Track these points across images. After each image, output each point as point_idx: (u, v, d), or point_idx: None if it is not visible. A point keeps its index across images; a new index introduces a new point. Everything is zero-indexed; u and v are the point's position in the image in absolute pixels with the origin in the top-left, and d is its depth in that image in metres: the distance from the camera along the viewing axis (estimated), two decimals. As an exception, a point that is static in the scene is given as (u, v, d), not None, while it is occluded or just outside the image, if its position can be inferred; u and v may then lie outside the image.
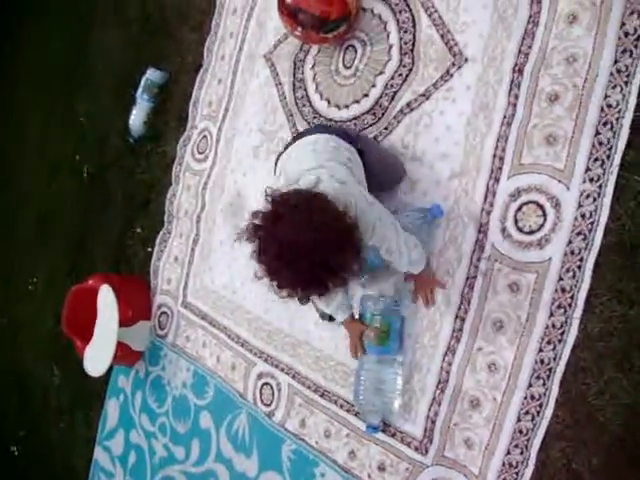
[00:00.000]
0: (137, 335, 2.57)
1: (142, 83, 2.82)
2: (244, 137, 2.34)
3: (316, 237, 1.15)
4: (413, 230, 1.57)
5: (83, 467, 2.97)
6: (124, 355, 2.55)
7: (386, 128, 1.87)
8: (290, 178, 1.39)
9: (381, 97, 1.90)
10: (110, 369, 2.73)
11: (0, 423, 3.85)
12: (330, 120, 2.03)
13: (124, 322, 2.48)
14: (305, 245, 1.15)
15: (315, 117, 2.08)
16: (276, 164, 1.67)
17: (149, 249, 2.70)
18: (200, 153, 2.53)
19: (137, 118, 2.88)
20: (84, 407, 3.05)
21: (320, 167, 1.39)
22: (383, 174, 1.70)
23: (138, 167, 2.86)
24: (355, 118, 1.96)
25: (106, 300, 2.49)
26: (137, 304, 2.59)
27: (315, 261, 1.15)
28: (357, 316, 1.71)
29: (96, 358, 2.56)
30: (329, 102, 2.06)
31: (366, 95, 1.95)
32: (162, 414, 2.53)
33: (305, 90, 2.15)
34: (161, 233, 2.65)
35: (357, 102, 1.97)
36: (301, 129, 2.11)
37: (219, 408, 2.27)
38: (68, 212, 3.42)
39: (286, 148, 1.64)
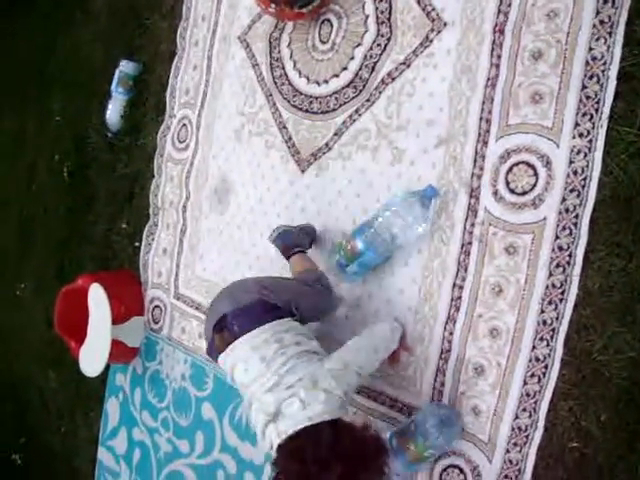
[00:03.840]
0: (131, 331, 2.53)
1: (116, 76, 2.76)
2: (224, 121, 2.30)
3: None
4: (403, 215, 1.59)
5: (88, 469, 2.94)
6: (120, 353, 2.52)
7: (368, 100, 1.84)
8: (268, 411, 1.34)
9: (361, 69, 1.87)
10: (107, 368, 2.70)
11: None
12: (310, 97, 1.99)
13: (117, 319, 2.44)
14: None
15: (295, 95, 2.05)
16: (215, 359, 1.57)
17: (137, 244, 2.66)
18: (181, 142, 2.48)
19: (114, 112, 2.82)
20: (84, 409, 3.01)
21: (282, 379, 1.37)
22: (318, 311, 1.73)
23: (119, 162, 2.81)
24: (335, 92, 1.93)
25: (97, 298, 2.45)
26: (129, 300, 2.55)
27: None
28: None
29: (91, 358, 2.53)
30: (308, 79, 2.02)
31: (345, 68, 1.91)
32: (163, 409, 2.50)
33: (283, 69, 2.11)
34: (147, 226, 2.61)
35: (336, 76, 1.94)
36: (282, 111, 2.08)
37: (220, 398, 2.25)
38: (51, 213, 3.36)
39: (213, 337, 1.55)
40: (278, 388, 1.36)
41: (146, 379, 2.59)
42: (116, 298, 2.45)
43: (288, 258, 1.81)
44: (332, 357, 1.45)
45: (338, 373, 1.37)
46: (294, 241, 1.82)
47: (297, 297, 1.59)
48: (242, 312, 1.50)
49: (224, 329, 1.50)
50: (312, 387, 1.33)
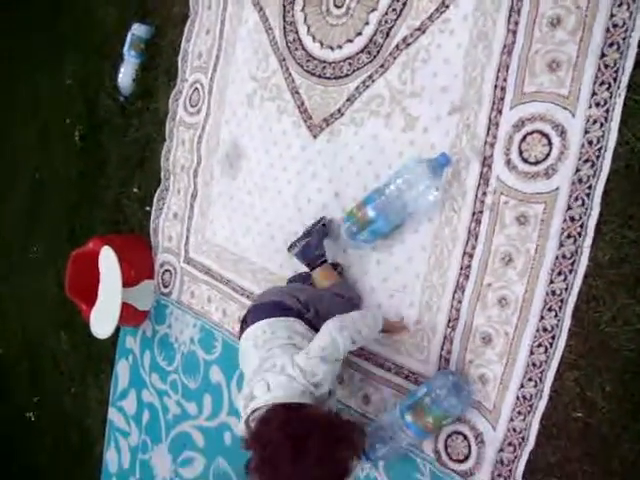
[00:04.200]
0: (141, 295, 2.55)
1: (128, 39, 2.73)
2: (237, 86, 2.28)
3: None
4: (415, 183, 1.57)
5: (99, 428, 3.01)
6: (130, 315, 2.54)
7: (382, 66, 1.82)
8: (245, 392, 1.45)
9: (375, 34, 1.84)
10: (117, 331, 2.74)
11: (14, 390, 3.90)
12: (324, 62, 1.97)
13: (127, 282, 2.46)
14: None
15: (308, 60, 2.02)
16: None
17: (147, 208, 2.66)
18: (193, 106, 2.47)
19: (126, 76, 2.80)
20: (94, 370, 3.06)
21: (261, 364, 1.46)
22: (341, 309, 1.71)
23: (131, 126, 2.80)
24: (349, 58, 1.90)
25: (108, 262, 2.46)
26: (139, 263, 2.57)
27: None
28: None
29: (102, 320, 2.55)
30: (322, 44, 2.00)
31: (359, 34, 1.88)
32: (172, 372, 2.54)
33: (296, 33, 2.08)
34: (158, 191, 2.61)
35: (350, 41, 1.91)
36: (295, 77, 2.06)
37: (228, 362, 2.27)
38: (63, 177, 3.36)
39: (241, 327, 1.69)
40: (258, 371, 1.45)
41: (155, 342, 2.63)
42: (126, 261, 2.46)
43: (312, 269, 1.86)
44: (302, 350, 1.48)
45: (306, 362, 1.41)
46: (314, 253, 1.86)
47: (316, 299, 1.69)
48: (258, 308, 1.69)
49: (244, 322, 1.68)
50: (279, 373, 1.40)
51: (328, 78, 1.97)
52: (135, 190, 2.76)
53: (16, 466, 3.87)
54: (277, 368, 1.41)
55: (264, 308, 1.67)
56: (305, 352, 1.44)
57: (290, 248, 1.92)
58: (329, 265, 1.86)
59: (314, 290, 1.81)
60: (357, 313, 1.63)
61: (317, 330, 1.58)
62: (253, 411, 1.36)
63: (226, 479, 2.31)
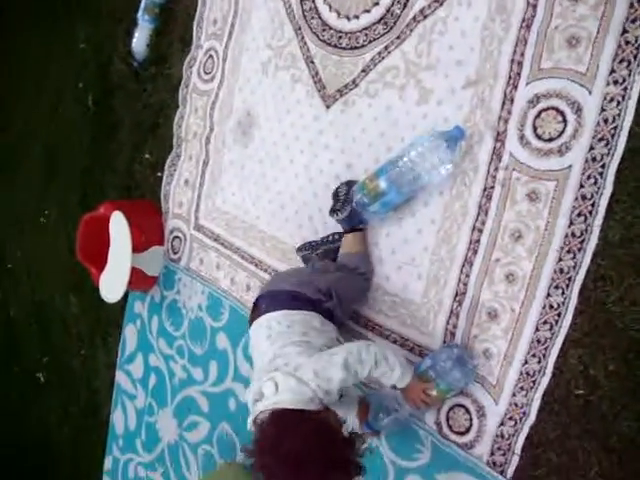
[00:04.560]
0: (151, 260, 2.58)
1: (142, 4, 2.72)
2: (251, 54, 2.27)
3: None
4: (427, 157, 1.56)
5: (106, 390, 3.06)
6: (139, 280, 2.57)
7: (398, 37, 1.80)
8: (254, 389, 1.42)
9: (392, 5, 1.81)
10: (126, 296, 2.77)
11: (24, 351, 3.96)
12: (340, 32, 1.95)
13: (137, 248, 2.48)
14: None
15: (324, 29, 2.00)
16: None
17: (159, 174, 2.67)
18: (207, 73, 2.46)
19: (140, 41, 2.78)
20: (103, 334, 3.11)
21: (273, 359, 1.44)
22: (353, 296, 1.73)
23: (144, 92, 2.80)
24: (365, 28, 1.88)
25: (118, 226, 2.48)
26: (149, 229, 2.58)
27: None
28: None
29: (111, 285, 2.58)
30: (339, 13, 1.97)
31: (377, 4, 1.86)
32: (179, 337, 2.57)
33: (313, 2, 2.05)
34: (170, 157, 2.62)
35: (367, 11, 1.88)
36: (310, 46, 2.04)
37: (235, 329, 2.30)
38: (75, 142, 3.37)
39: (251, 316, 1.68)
40: (268, 367, 1.43)
41: (164, 308, 2.65)
42: (137, 227, 2.47)
43: (346, 233, 1.84)
44: (323, 352, 1.45)
45: (324, 364, 1.38)
46: (359, 219, 1.82)
47: (335, 283, 1.66)
48: (272, 295, 1.66)
49: (256, 306, 1.66)
50: (290, 374, 1.36)
51: (343, 48, 1.96)
52: (147, 156, 2.77)
53: (27, 425, 3.96)
54: (290, 368, 1.38)
55: (281, 298, 1.63)
56: (327, 354, 1.41)
57: (334, 212, 1.83)
58: (362, 235, 1.84)
59: (329, 272, 1.76)
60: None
61: (333, 319, 1.59)
62: (261, 412, 1.35)
63: (229, 444, 2.35)
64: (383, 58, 1.84)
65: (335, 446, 1.26)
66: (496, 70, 1.58)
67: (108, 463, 3.07)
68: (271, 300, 1.63)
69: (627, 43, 1.36)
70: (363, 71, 1.89)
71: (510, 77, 1.56)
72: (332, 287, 1.63)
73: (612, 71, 1.39)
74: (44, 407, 3.74)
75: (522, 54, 1.54)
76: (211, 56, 2.44)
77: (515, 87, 1.55)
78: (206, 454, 2.46)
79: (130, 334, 2.87)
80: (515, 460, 1.55)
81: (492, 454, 1.59)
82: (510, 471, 1.56)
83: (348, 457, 1.25)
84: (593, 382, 1.43)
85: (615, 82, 1.39)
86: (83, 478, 3.35)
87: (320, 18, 2.03)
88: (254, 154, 2.24)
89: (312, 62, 2.04)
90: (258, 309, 1.64)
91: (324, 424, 1.30)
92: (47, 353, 3.69)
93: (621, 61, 1.37)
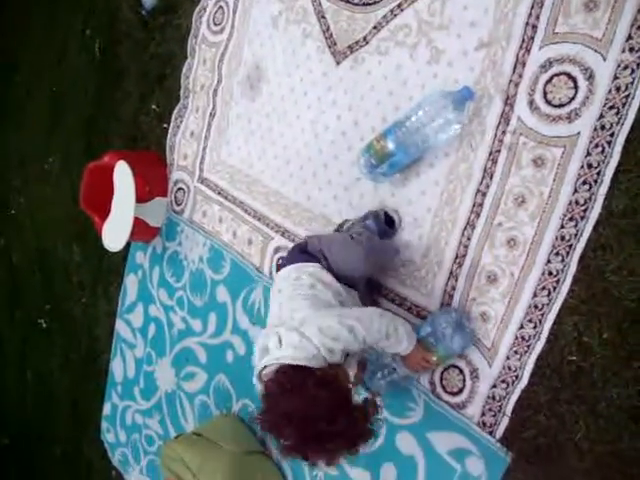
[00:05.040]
0: (154, 211, 2.58)
1: (152, -49, 2.67)
2: (262, 6, 2.23)
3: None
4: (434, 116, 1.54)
5: (106, 338, 3.10)
6: (141, 231, 2.57)
7: (413, -5, 1.77)
8: (260, 344, 1.41)
9: (408, -39, 1.78)
10: (128, 246, 2.79)
11: (27, 297, 4.00)
12: (353, -14, 1.92)
13: (141, 198, 2.48)
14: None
15: (337, -17, 1.97)
16: None
17: (165, 125, 2.65)
18: (216, 25, 2.42)
19: (149, -11, 2.74)
20: (104, 283, 3.13)
21: (281, 312, 1.46)
22: (344, 260, 1.58)
23: (152, 41, 2.76)
24: (380, -16, 1.85)
25: (122, 176, 2.48)
26: (153, 180, 2.58)
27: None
28: None
29: (114, 234, 2.59)
30: (352, -33, 1.93)
31: (392, -41, 1.82)
32: (179, 288, 2.59)
33: (327, -46, 2.01)
34: (177, 108, 2.59)
35: (382, -33, 1.85)
36: (322, 0, 2.01)
37: (235, 282, 2.32)
38: (81, 90, 3.34)
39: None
40: (276, 322, 1.44)
41: (165, 259, 2.67)
42: (141, 177, 2.47)
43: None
44: (331, 309, 1.44)
45: (327, 325, 1.35)
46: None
47: (327, 243, 1.61)
48: (289, 252, 1.70)
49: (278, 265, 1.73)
50: (294, 328, 1.35)
51: (356, 4, 1.92)
52: (153, 107, 2.74)
53: (30, 371, 4.02)
54: (295, 322, 1.37)
55: (293, 253, 1.65)
56: (337, 314, 1.39)
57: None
58: None
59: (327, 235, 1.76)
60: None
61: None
62: (264, 366, 1.35)
63: (226, 395, 2.38)
64: (395, 16, 1.81)
65: (339, 405, 1.25)
66: (509, 32, 1.56)
67: (107, 409, 3.13)
68: (287, 255, 1.68)
69: (647, 8, 1.34)
70: (375, 28, 1.86)
71: (523, 40, 1.54)
72: (324, 246, 1.59)
73: (629, 37, 1.36)
74: (45, 353, 3.80)
75: (537, 17, 1.51)
76: (221, 7, 2.40)
77: (528, 51, 1.53)
78: (202, 404, 2.50)
79: (131, 284, 2.90)
80: (505, 421, 1.58)
81: (483, 415, 1.62)
82: (499, 432, 1.59)
83: (354, 417, 1.25)
84: (586, 349, 1.45)
85: (631, 49, 1.36)
86: (82, 423, 3.43)
87: (334, -29, 1.99)
88: (261, 108, 2.22)
89: (324, 17, 2.01)
90: (277, 266, 1.68)
91: (326, 382, 1.28)
92: (49, 300, 3.73)
93: (639, 27, 1.35)
